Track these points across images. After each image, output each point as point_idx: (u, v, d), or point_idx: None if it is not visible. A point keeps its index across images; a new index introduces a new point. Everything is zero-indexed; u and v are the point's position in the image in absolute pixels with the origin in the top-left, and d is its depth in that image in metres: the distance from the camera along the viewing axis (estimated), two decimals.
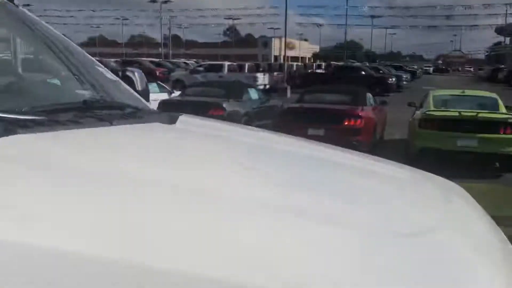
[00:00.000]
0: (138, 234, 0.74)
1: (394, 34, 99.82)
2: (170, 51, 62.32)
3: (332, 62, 43.17)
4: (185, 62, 39.03)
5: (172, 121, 1.61)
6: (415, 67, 56.67)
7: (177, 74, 26.20)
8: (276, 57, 74.57)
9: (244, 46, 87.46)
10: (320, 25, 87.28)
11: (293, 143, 1.65)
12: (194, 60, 44.42)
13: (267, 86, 24.11)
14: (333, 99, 9.10)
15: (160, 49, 60.01)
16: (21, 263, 0.65)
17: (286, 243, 0.78)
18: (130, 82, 2.27)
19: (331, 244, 0.80)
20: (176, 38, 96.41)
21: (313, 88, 10.54)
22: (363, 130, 8.31)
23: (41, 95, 1.56)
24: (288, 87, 23.02)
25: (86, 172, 0.91)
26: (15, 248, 0.66)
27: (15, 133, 1.00)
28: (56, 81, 1.76)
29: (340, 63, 38.24)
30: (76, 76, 1.74)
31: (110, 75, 1.96)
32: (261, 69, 28.72)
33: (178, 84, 20.66)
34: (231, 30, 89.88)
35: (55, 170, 0.90)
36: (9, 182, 0.81)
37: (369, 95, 9.65)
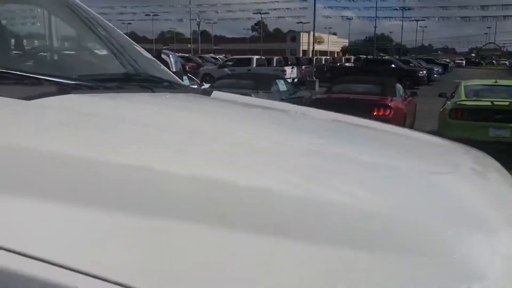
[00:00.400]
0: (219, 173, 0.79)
1: (426, 26, 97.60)
2: (199, 47, 62.85)
3: (361, 56, 42.67)
4: (213, 57, 39.31)
5: (208, 94, 1.73)
6: (447, 60, 55.38)
7: (206, 68, 26.45)
8: (304, 52, 74.21)
9: (272, 41, 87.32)
10: (349, 18, 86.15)
11: (326, 112, 1.74)
12: (223, 55, 44.69)
13: (296, 80, 24.05)
14: (361, 90, 9.07)
15: (188, 45, 60.63)
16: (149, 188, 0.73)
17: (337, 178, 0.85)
18: (165, 64, 2.39)
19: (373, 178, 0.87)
20: (205, 33, 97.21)
21: (341, 79, 10.50)
22: (392, 121, 8.26)
23: (89, 69, 1.70)
24: (317, 81, 22.96)
25: (144, 122, 1.02)
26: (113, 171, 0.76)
27: (68, 93, 1.12)
28: (102, 58, 1.90)
29: (370, 57, 37.77)
30: (118, 54, 1.88)
31: (147, 54, 2.09)
32: (289, 63, 28.69)
33: (207, 77, 20.90)
34: (259, 25, 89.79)
35: (113, 118, 1.01)
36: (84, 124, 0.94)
37: (398, 85, 9.57)
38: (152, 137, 0.92)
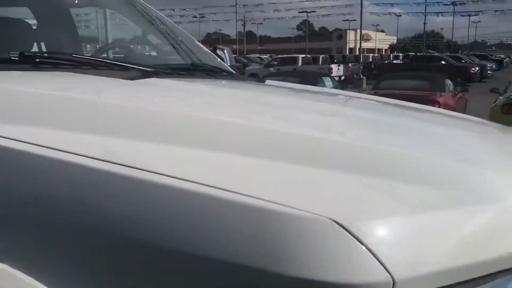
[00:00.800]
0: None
1: (479, 21, 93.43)
2: (245, 47, 63.45)
3: (409, 53, 41.65)
4: (259, 57, 39.64)
5: (262, 82, 1.95)
6: (502, 56, 52.97)
7: (252, 68, 26.76)
8: (351, 50, 73.17)
9: (318, 40, 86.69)
10: (398, 15, 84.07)
11: (370, 97, 1.91)
12: (269, 55, 44.93)
13: (342, 77, 23.93)
14: (409, 86, 9.00)
15: (234, 46, 61.38)
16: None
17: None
18: (220, 58, 2.62)
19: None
20: (250, 34, 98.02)
21: (388, 75, 10.45)
22: None
23: (161, 60, 1.98)
24: (364, 78, 22.73)
25: (220, 95, 1.29)
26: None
27: (150, 77, 1.35)
28: (172, 51, 2.17)
29: (418, 54, 36.83)
30: (181, 49, 2.14)
31: (205, 49, 2.34)
32: (335, 60, 28.51)
33: (252, 77, 21.18)
34: (305, 24, 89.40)
35: (192, 92, 1.26)
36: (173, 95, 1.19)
37: (448, 81, 9.41)
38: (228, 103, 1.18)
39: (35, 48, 1.88)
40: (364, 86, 20.47)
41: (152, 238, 0.63)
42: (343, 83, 18.06)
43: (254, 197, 0.61)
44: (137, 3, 2.24)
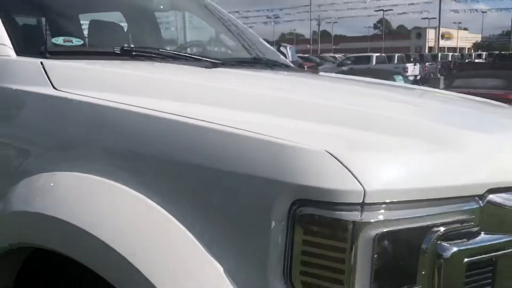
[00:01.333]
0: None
1: None
2: (319, 46, 63.16)
3: (494, 52, 39.27)
4: (333, 56, 39.41)
5: (316, 72, 2.27)
6: None
7: (324, 67, 26.77)
8: (430, 48, 70.21)
9: (395, 38, 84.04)
10: (483, 11, 79.33)
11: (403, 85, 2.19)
12: (343, 54, 44.50)
13: (418, 77, 23.30)
14: (485, 85, 8.75)
15: (307, 45, 61.36)
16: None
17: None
18: (283, 54, 2.95)
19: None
20: (325, 33, 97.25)
21: (464, 74, 10.18)
22: None
23: (230, 54, 2.37)
24: (441, 78, 21.93)
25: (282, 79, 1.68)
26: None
27: (217, 67, 1.70)
28: (238, 47, 2.56)
29: (503, 52, 34.66)
30: (246, 45, 2.51)
31: (268, 45, 2.70)
32: (412, 59, 27.75)
33: None
34: (382, 23, 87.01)
35: (247, 77, 1.61)
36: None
37: None
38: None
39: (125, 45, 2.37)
40: (442, 86, 19.78)
41: (218, 164, 0.96)
42: (419, 83, 17.58)
43: (282, 139, 0.92)
44: (211, 6, 2.65)
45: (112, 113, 1.14)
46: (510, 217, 0.98)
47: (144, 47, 1.88)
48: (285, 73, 2.03)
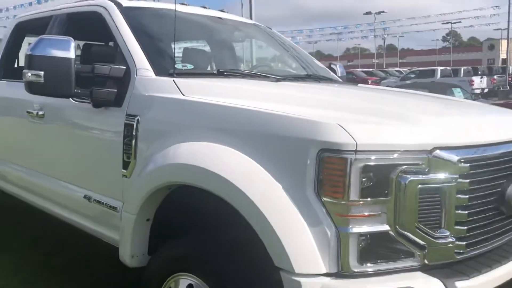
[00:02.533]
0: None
1: None
2: (384, 60, 62.64)
3: None
4: (398, 70, 39.19)
5: (355, 84, 3.05)
6: None
7: (387, 81, 26.93)
8: (504, 60, 67.11)
9: (466, 51, 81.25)
10: None
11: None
12: (408, 68, 43.99)
13: (485, 90, 22.86)
14: None
15: (373, 60, 61.07)
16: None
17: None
18: (333, 71, 3.73)
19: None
20: (391, 47, 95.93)
21: None
22: None
23: (289, 72, 3.21)
24: (510, 90, 21.44)
25: (323, 88, 2.53)
26: None
27: (279, 81, 2.54)
28: (296, 66, 3.39)
29: None
30: (302, 65, 3.33)
31: (321, 65, 3.51)
32: (479, 72, 27.14)
33: None
34: (451, 35, 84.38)
35: (299, 87, 2.45)
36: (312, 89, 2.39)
37: None
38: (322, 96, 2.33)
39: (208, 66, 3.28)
40: None
41: (282, 133, 1.75)
42: (486, 96, 17.42)
43: (316, 119, 1.71)
44: (274, 34, 3.53)
45: (217, 107, 2.00)
46: (447, 164, 1.69)
47: (230, 69, 2.76)
48: (326, 84, 2.83)
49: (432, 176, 1.67)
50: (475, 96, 13.37)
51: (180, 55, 3.12)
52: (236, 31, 3.55)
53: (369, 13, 50.78)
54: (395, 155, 1.64)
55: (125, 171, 2.31)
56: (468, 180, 1.73)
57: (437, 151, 1.69)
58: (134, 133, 2.26)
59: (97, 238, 2.66)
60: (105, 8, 2.79)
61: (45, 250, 3.83)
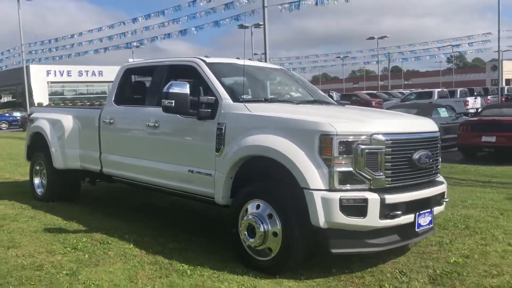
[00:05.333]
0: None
1: None
2: (389, 83, 64.85)
3: None
4: (400, 92, 41.25)
5: (343, 105, 5.14)
6: None
7: (389, 102, 28.93)
8: (508, 81, 68.97)
9: (470, 72, 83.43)
10: None
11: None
12: (411, 89, 46.03)
13: (479, 109, 24.66)
14: (509, 113, 10.90)
15: (376, 82, 63.30)
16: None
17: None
18: (331, 97, 5.78)
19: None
20: (396, 69, 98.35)
21: (493, 105, 12.28)
22: None
23: (303, 98, 5.31)
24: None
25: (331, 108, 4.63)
26: None
27: (298, 104, 4.63)
28: (306, 94, 5.46)
29: None
30: (311, 94, 5.41)
31: (323, 93, 5.61)
32: (475, 93, 29.08)
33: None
34: (455, 57, 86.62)
35: (307, 107, 4.56)
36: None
37: None
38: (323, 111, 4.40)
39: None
40: None
41: (299, 126, 3.80)
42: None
43: (316, 120, 3.75)
44: (293, 74, 5.76)
45: (270, 117, 4.07)
46: (379, 141, 3.69)
47: (271, 97, 4.86)
48: (325, 105, 4.89)
49: (372, 146, 3.67)
50: (463, 114, 15.32)
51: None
52: (271, 74, 5.73)
53: (372, 38, 53.12)
54: (355, 136, 3.65)
55: (217, 153, 4.34)
56: (390, 149, 3.74)
57: (374, 135, 3.70)
58: (223, 133, 4.29)
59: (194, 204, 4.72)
60: (197, 63, 4.89)
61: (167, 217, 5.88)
